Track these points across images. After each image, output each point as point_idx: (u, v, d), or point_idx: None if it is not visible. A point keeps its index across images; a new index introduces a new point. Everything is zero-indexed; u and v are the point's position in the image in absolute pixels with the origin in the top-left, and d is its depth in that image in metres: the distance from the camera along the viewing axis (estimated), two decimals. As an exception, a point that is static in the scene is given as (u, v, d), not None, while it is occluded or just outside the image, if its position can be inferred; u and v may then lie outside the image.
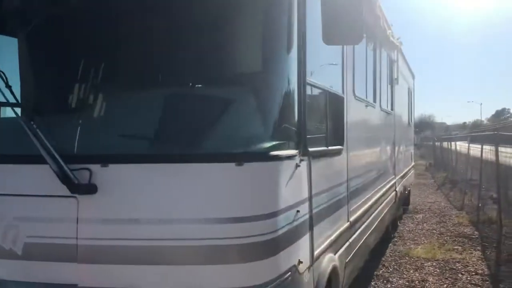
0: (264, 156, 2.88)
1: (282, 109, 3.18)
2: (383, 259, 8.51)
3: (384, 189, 7.74)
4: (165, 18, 3.25)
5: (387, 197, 8.28)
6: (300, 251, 3.33)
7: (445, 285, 7.08)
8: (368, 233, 6.15)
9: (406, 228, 11.35)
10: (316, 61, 3.90)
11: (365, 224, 5.94)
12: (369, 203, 6.26)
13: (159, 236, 2.77)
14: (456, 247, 9.30)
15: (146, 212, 2.84)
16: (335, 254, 4.39)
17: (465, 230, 10.88)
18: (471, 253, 8.86)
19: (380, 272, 7.75)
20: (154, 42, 3.38)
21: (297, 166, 3.27)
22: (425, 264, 8.13)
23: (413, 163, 14.58)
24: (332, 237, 4.28)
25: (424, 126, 76.63)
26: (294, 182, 3.23)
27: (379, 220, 7.12)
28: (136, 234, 2.82)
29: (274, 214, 2.90)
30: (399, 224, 11.50)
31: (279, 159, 2.98)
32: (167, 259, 2.81)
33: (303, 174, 3.44)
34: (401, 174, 10.69)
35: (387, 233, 9.81)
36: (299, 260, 3.24)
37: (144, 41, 3.38)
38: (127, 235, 2.82)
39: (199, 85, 3.56)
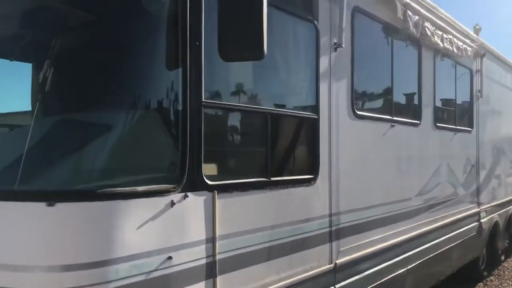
0: (83, 195, 2.46)
1: (145, 137, 2.73)
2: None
3: (443, 221, 6.57)
4: None
5: (455, 230, 7.04)
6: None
7: None
8: (394, 274, 5.19)
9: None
10: (243, 77, 3.35)
11: (384, 265, 5.02)
12: (398, 239, 5.30)
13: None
14: None
15: None
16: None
17: None
18: None
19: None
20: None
21: (173, 204, 2.77)
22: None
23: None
24: (282, 283, 3.62)
25: None
26: (164, 222, 2.74)
27: (427, 258, 6.03)
28: None
29: (103, 263, 2.45)
30: (502, 259, 9.79)
31: (111, 198, 2.52)
32: None
33: (193, 212, 2.91)
34: (497, 202, 9.08)
35: (475, 271, 8.40)
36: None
37: None
38: None
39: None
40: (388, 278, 5.07)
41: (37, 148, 2.60)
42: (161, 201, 2.73)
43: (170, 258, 2.75)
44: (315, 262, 4.03)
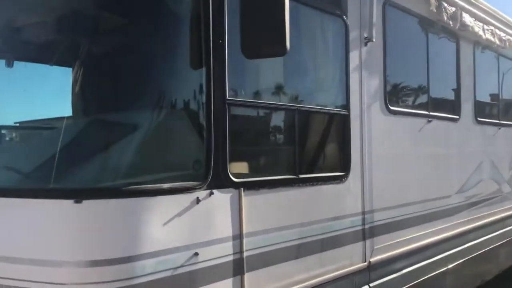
0: (109, 192, 2.52)
1: (170, 135, 2.76)
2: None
3: (487, 220, 6.34)
4: None
5: (501, 229, 6.78)
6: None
7: None
8: (432, 274, 5.05)
9: None
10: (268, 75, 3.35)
11: (421, 264, 4.89)
12: (436, 237, 5.15)
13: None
14: None
15: None
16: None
17: None
18: None
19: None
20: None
21: (198, 200, 2.80)
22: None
23: None
24: (312, 282, 3.59)
25: None
26: (190, 219, 2.77)
27: (470, 258, 5.84)
28: None
29: (128, 259, 2.50)
30: None
31: (137, 195, 2.56)
32: None
33: (219, 209, 2.93)
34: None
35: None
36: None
37: None
38: None
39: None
40: (426, 278, 4.94)
41: (67, 148, 2.68)
42: (187, 198, 2.76)
43: (196, 254, 2.78)
44: (347, 260, 3.98)
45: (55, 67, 3.35)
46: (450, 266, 5.40)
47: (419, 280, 4.82)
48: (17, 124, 3.68)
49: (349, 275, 3.97)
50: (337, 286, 3.85)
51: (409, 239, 4.73)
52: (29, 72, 3.42)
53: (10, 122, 3.59)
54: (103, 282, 2.44)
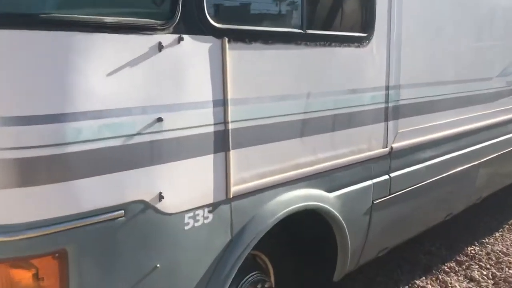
0: (25, 20, 1.72)
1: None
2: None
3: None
4: None
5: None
6: (182, 178, 2.17)
7: None
8: (463, 167, 4.32)
9: None
10: None
11: (452, 155, 4.15)
12: (472, 125, 4.36)
13: None
14: None
15: None
16: (330, 192, 3.01)
17: None
18: None
19: None
20: None
21: (161, 47, 2.01)
22: None
23: None
24: (321, 166, 2.90)
25: None
26: (148, 72, 2.00)
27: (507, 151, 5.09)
28: None
29: (55, 118, 1.77)
30: None
31: (66, 27, 1.77)
32: None
33: (193, 63, 2.15)
34: None
35: None
36: (160, 193, 2.08)
37: None
38: None
39: None
40: (455, 172, 4.22)
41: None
42: (143, 42, 1.97)
43: (159, 120, 2.05)
44: (365, 143, 3.24)
45: None
46: (483, 160, 4.66)
47: (446, 174, 4.10)
48: None
49: (366, 161, 3.25)
50: (351, 174, 3.15)
51: (439, 125, 3.94)
52: None
53: None
54: (19, 148, 1.74)
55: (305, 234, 3.13)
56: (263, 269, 3.07)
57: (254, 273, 2.88)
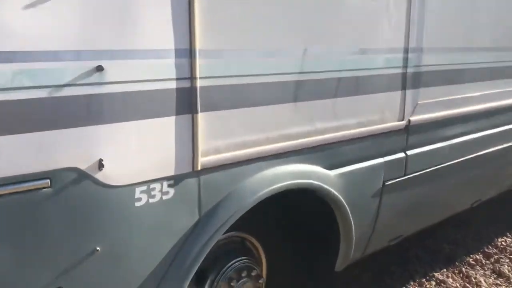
0: None
1: None
2: None
3: None
4: None
5: None
6: (130, 144, 1.76)
7: None
8: (493, 149, 3.78)
9: None
10: None
11: (482, 133, 3.61)
12: (506, 101, 3.80)
13: None
14: None
15: None
16: (330, 169, 2.55)
17: None
18: None
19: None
20: None
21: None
22: None
23: None
24: (319, 138, 2.44)
25: None
26: (82, 4, 1.58)
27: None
28: None
29: None
30: None
31: None
32: None
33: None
34: None
35: None
36: (100, 160, 1.68)
37: None
38: None
39: None
40: (486, 152, 3.68)
41: None
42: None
43: (99, 69, 1.63)
44: (376, 114, 2.75)
45: None
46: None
47: (474, 155, 3.57)
48: None
49: (376, 135, 2.77)
50: (357, 149, 2.68)
51: (468, 98, 3.40)
52: None
53: None
54: None
55: (305, 217, 2.70)
56: (254, 256, 2.67)
57: (240, 258, 2.48)
